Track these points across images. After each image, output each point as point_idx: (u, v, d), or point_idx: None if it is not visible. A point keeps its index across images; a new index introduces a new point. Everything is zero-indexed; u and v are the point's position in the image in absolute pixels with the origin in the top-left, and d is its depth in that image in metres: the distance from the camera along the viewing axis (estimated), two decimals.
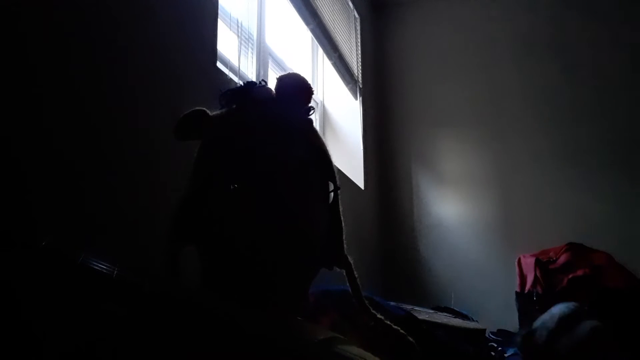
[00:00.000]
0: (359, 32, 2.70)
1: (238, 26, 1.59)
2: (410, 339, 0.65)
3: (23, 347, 0.40)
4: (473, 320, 1.77)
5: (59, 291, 0.43)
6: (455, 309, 1.89)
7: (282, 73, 0.67)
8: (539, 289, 1.89)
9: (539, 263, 1.93)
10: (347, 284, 0.67)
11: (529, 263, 1.99)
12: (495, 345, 1.58)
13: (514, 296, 1.95)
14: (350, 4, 2.63)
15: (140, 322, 0.47)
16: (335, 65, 2.33)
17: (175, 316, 0.48)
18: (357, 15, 2.71)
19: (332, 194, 0.66)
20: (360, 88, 2.60)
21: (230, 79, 1.41)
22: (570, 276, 1.84)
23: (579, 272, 1.83)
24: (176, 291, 0.52)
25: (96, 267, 0.44)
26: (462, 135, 2.71)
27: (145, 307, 0.46)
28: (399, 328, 0.66)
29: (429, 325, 1.17)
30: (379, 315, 0.66)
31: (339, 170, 0.74)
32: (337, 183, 0.65)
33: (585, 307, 0.94)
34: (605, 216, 2.27)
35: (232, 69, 1.53)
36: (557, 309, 0.99)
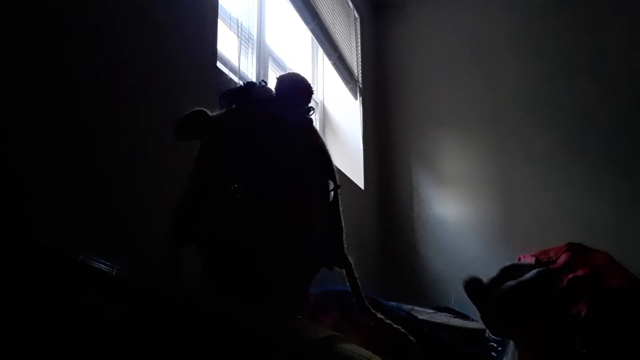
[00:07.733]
0: (359, 32, 2.70)
1: (238, 26, 1.59)
2: (412, 337, 0.65)
3: (23, 346, 0.41)
4: (473, 321, 1.77)
5: (58, 290, 0.43)
6: (455, 309, 1.89)
7: (282, 73, 0.67)
8: None
9: (539, 263, 1.93)
10: (348, 284, 0.67)
11: None
12: (495, 345, 1.57)
13: None
14: (351, 4, 2.63)
15: (139, 321, 0.47)
16: (335, 65, 2.32)
17: (175, 315, 0.48)
18: (357, 16, 2.71)
19: (332, 192, 0.66)
20: (360, 88, 2.60)
21: (230, 79, 1.40)
22: (570, 276, 1.82)
23: (579, 272, 1.82)
24: (175, 290, 0.52)
25: (96, 266, 0.44)
26: (462, 135, 2.71)
27: (144, 306, 0.46)
28: (399, 327, 0.65)
29: (430, 326, 1.16)
30: (379, 315, 0.66)
31: (339, 170, 0.74)
32: (337, 182, 0.65)
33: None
34: (605, 216, 2.27)
35: (232, 69, 1.53)
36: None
